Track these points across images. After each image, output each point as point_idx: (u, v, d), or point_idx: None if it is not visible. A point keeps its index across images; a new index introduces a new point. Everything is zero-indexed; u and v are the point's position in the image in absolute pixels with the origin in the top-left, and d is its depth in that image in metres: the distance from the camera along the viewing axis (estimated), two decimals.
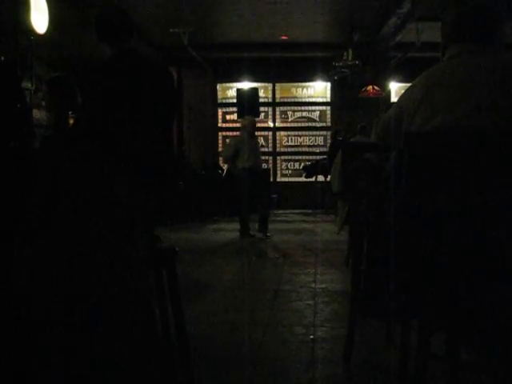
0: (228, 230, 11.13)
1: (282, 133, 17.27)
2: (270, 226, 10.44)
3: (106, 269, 2.39)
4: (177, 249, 3.01)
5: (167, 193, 2.89)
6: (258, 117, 14.41)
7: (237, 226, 10.29)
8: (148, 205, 2.80)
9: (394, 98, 16.27)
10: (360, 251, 3.27)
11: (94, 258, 2.37)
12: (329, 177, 10.67)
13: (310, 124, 17.17)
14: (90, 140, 2.74)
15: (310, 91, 17.14)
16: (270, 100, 17.18)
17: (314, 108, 17.15)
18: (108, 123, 2.76)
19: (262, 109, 16.02)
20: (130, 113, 2.77)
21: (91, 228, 2.42)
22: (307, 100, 17.15)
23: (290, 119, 17.26)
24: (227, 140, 16.03)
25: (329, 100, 17.06)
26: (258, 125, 13.30)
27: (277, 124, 17.27)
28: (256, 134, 10.88)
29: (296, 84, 17.13)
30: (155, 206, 2.86)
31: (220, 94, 17.29)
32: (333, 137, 14.65)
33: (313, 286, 5.77)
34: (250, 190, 9.70)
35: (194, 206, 13.59)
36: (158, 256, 2.92)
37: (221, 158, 14.39)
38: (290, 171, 17.33)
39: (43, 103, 4.50)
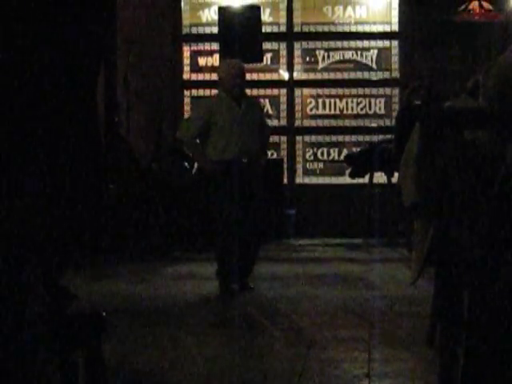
0: (200, 277, 7.16)
1: (306, 91, 11.02)
2: (284, 266, 7.59)
3: None
4: (104, 314, 2.27)
5: (83, 205, 2.14)
6: (261, 61, 9.56)
7: (215, 269, 6.56)
8: (48, 227, 2.06)
9: None
10: (455, 319, 2.56)
11: None
12: (396, 176, 7.09)
13: (358, 75, 10.93)
14: None
15: (360, 12, 10.93)
16: (284, 29, 10.86)
17: (366, 44, 10.90)
18: None
19: (267, 46, 10.25)
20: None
21: None
22: (354, 29, 10.89)
23: (320, 66, 11.00)
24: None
25: (396, 29, 10.73)
26: (262, 76, 10.29)
27: (296, 75, 11.02)
28: (252, 92, 8.75)
29: None
30: (62, 229, 2.12)
31: (188, 18, 10.99)
32: (405, 99, 9.37)
33: None
34: (236, 202, 6.26)
35: (137, 232, 8.62)
36: (68, 329, 2.16)
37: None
38: (320, 165, 11.10)
39: None
